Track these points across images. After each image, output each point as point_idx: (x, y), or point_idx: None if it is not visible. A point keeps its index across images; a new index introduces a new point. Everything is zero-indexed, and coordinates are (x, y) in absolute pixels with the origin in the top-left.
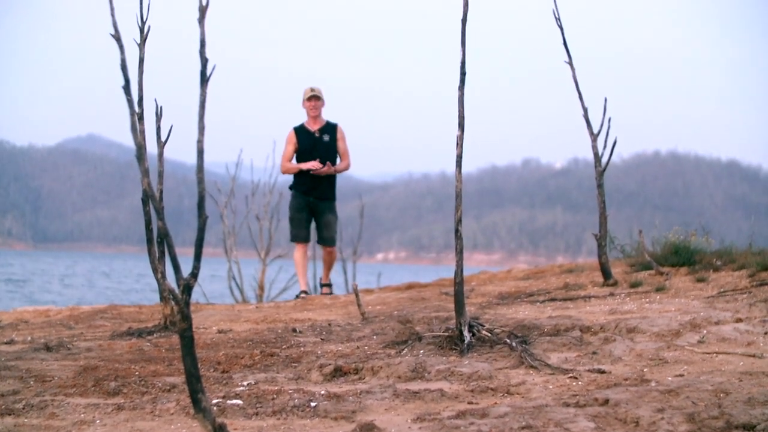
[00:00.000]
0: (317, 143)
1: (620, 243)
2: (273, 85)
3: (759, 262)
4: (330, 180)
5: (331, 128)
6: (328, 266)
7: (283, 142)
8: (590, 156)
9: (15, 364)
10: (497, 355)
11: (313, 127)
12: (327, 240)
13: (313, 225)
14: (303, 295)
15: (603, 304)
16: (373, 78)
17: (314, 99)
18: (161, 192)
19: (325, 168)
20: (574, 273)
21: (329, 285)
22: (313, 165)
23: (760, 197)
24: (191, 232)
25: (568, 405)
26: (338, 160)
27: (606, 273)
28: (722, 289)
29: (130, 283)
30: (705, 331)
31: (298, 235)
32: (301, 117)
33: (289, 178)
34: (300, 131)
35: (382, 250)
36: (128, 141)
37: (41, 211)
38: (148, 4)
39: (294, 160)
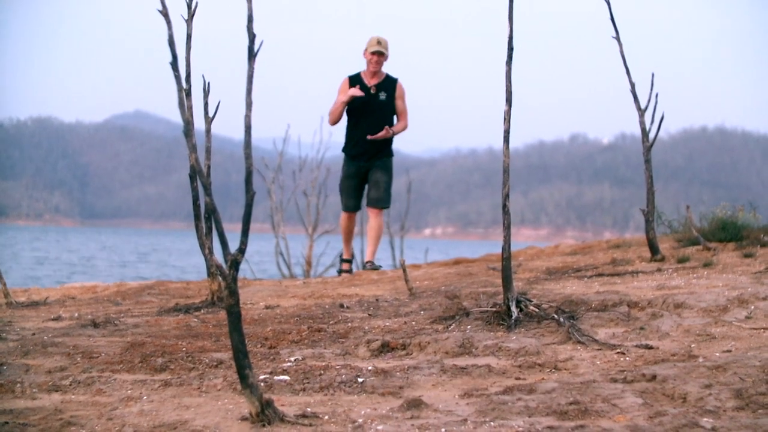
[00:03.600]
0: (372, 100)
1: (667, 218)
2: (321, 59)
3: None
4: (384, 142)
5: (390, 84)
6: (375, 239)
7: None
8: (637, 131)
9: (62, 341)
10: (544, 330)
11: (370, 82)
12: (373, 201)
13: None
14: (345, 267)
15: (650, 279)
16: (421, 53)
17: (378, 54)
18: (209, 168)
19: (383, 133)
20: (622, 248)
21: (373, 263)
22: (355, 92)
23: None
24: (239, 207)
25: (615, 381)
26: (395, 120)
27: (653, 248)
28: None
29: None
30: (752, 307)
31: (347, 205)
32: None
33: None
34: (354, 82)
35: (430, 226)
36: (176, 117)
37: (88, 187)
38: None
39: (345, 116)
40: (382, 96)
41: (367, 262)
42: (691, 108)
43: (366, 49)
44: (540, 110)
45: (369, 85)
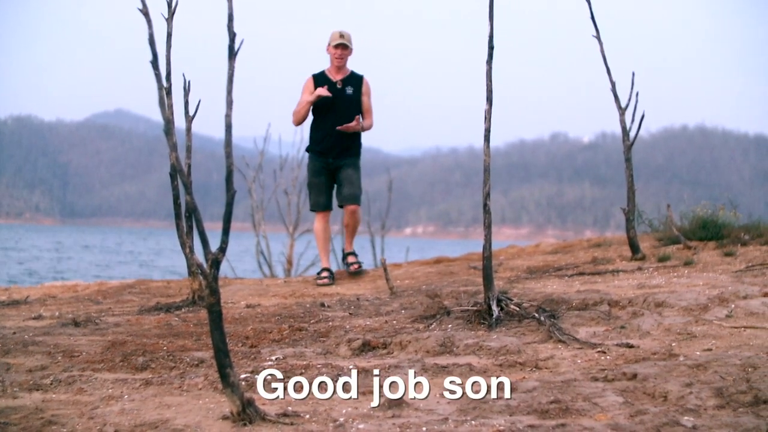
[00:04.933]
0: (338, 95)
1: (648, 217)
2: (302, 58)
3: None
4: (352, 137)
5: (356, 80)
6: (352, 231)
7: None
8: (618, 130)
9: (43, 340)
10: (525, 329)
11: (336, 77)
12: (347, 197)
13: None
14: (325, 275)
15: (631, 278)
16: (401, 52)
17: (341, 48)
18: (189, 166)
19: (354, 123)
20: (602, 247)
21: (354, 254)
22: (321, 92)
23: None
24: (219, 206)
25: (596, 379)
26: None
27: (634, 247)
28: (750, 264)
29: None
30: (733, 306)
31: (318, 203)
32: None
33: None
34: (319, 79)
35: (411, 225)
36: (156, 116)
37: (69, 186)
38: None
39: (311, 114)
40: (349, 90)
41: (347, 255)
42: (672, 107)
43: (329, 44)
44: (521, 109)
45: (334, 80)
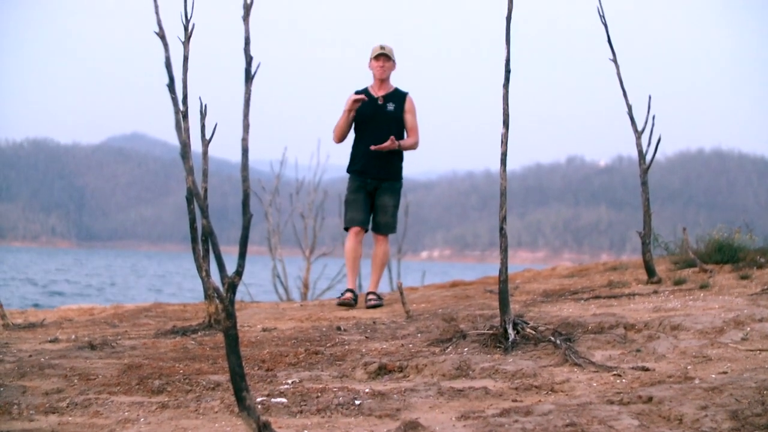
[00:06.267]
0: (378, 111)
1: (664, 241)
2: (318, 82)
3: None
4: (391, 157)
5: (399, 97)
6: (379, 267)
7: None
8: (634, 154)
9: (59, 363)
10: (541, 352)
11: (378, 93)
12: (380, 226)
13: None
14: (349, 296)
15: (647, 301)
16: (418, 75)
17: (383, 58)
18: (206, 190)
19: (388, 143)
20: (618, 270)
21: (375, 294)
22: (358, 98)
23: None
24: (236, 230)
25: (612, 402)
26: (405, 135)
27: (650, 270)
28: (766, 286)
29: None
30: (749, 329)
31: (353, 219)
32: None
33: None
34: (360, 95)
35: (427, 248)
36: (173, 139)
37: (85, 209)
38: (193, 2)
39: (353, 131)
40: (390, 107)
41: (369, 294)
42: (688, 130)
43: (370, 58)
44: (537, 132)
45: (376, 96)
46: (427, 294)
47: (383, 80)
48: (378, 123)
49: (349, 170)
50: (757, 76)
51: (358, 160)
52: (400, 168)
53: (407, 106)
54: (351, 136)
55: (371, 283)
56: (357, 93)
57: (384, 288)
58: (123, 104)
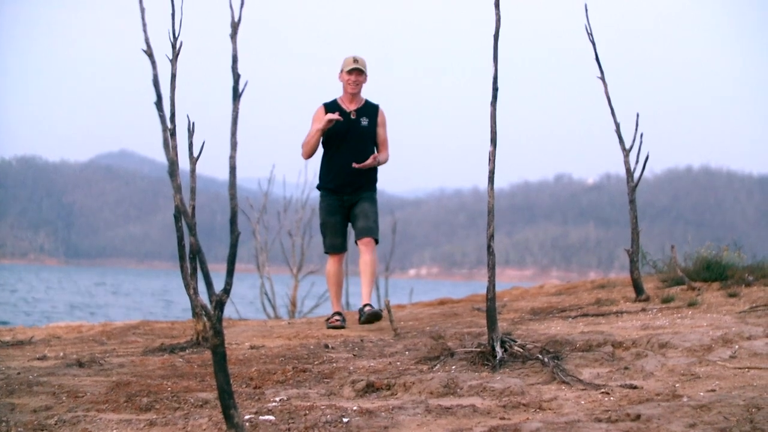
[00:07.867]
0: (352, 127)
1: (652, 258)
2: (306, 100)
3: None
4: (368, 172)
5: (371, 110)
6: (369, 276)
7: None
8: (622, 171)
9: (47, 380)
10: (529, 370)
11: (349, 107)
12: (363, 230)
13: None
14: (337, 319)
15: (635, 319)
16: (405, 93)
17: (356, 72)
18: (193, 208)
19: (370, 161)
20: (606, 288)
21: (375, 315)
22: (332, 116)
23: None
24: (223, 248)
25: (599, 420)
26: (376, 150)
27: (638, 288)
28: (754, 304)
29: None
30: (737, 347)
31: (333, 245)
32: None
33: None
34: (331, 108)
35: (414, 266)
36: (160, 157)
37: (73, 227)
38: (180, 20)
39: (321, 146)
40: (364, 122)
41: (365, 306)
42: (676, 148)
43: (341, 70)
44: (525, 150)
45: (348, 110)
46: (415, 312)
47: (355, 94)
48: (352, 139)
49: (321, 187)
50: (746, 94)
51: (333, 177)
52: (376, 179)
53: (380, 119)
54: (319, 151)
55: (363, 295)
56: (326, 105)
57: (372, 305)
58: (111, 122)
